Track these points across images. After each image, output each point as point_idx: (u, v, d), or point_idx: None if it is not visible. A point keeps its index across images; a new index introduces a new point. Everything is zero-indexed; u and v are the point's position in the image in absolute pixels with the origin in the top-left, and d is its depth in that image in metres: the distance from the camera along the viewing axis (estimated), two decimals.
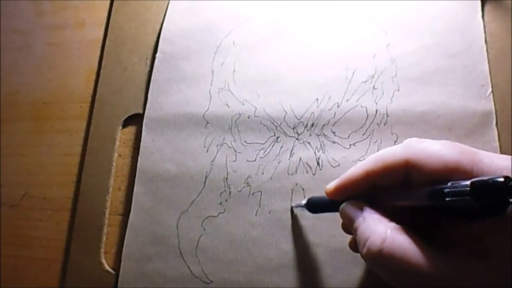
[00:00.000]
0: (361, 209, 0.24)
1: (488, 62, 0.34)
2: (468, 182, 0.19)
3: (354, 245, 0.28)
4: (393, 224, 0.22)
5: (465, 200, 0.19)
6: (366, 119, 0.34)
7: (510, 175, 0.18)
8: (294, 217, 0.33)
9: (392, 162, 0.23)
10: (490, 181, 0.18)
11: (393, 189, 0.24)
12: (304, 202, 0.30)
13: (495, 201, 0.18)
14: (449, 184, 0.20)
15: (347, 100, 0.35)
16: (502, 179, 0.18)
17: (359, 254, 0.30)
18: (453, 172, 0.21)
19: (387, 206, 0.24)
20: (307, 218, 0.32)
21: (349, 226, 0.25)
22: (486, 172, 0.20)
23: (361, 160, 0.32)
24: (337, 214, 0.31)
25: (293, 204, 0.33)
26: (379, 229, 0.22)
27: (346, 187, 0.25)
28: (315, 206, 0.30)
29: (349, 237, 0.32)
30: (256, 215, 0.33)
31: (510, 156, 0.21)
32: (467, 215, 0.21)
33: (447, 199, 0.19)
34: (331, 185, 0.26)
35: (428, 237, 0.22)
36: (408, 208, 0.25)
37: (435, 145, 0.22)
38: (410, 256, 0.20)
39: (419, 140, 0.24)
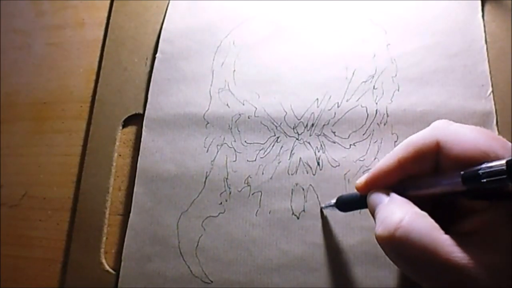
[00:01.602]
0: (388, 194, 0.23)
1: (488, 62, 0.34)
2: (503, 161, 0.18)
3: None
4: (416, 209, 0.21)
5: (501, 180, 0.18)
6: (366, 119, 0.34)
7: None
8: (324, 219, 0.32)
9: (423, 145, 0.22)
10: None
11: (423, 177, 0.23)
12: (333, 201, 0.30)
13: None
14: (483, 165, 0.19)
15: (347, 100, 0.35)
16: None
17: (359, 254, 0.31)
18: (486, 156, 0.20)
19: (415, 196, 0.23)
20: (307, 219, 0.32)
21: (373, 216, 0.23)
22: None
23: (361, 160, 0.33)
24: (337, 214, 0.31)
25: (322, 205, 0.32)
26: (399, 211, 0.21)
27: (378, 179, 0.24)
28: (346, 203, 0.29)
29: (349, 237, 0.32)
30: (256, 215, 0.33)
31: None
32: (502, 197, 0.20)
33: (482, 180, 0.19)
34: (362, 179, 0.25)
35: (442, 224, 0.20)
36: (430, 203, 0.24)
37: (466, 129, 0.22)
38: (428, 241, 0.19)
39: (448, 122, 0.23)
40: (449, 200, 0.24)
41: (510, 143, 0.21)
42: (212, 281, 0.32)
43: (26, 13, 0.46)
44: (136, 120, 0.39)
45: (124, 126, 0.39)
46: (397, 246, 0.20)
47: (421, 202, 0.22)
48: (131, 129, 0.39)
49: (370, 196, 0.24)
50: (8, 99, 0.43)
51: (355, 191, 0.26)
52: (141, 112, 0.38)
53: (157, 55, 0.39)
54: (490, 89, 0.33)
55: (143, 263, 0.33)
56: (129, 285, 0.33)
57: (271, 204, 0.33)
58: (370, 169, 0.31)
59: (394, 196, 0.23)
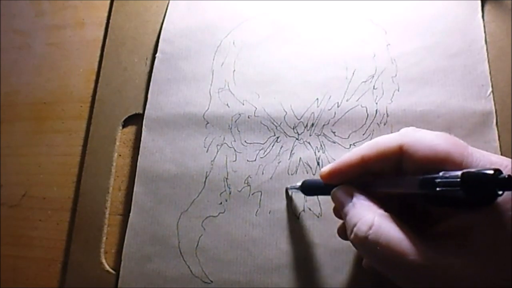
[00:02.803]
0: (352, 195, 0.24)
1: (488, 62, 0.34)
2: (459, 173, 0.19)
3: (343, 232, 0.28)
4: (381, 211, 0.23)
5: (455, 190, 0.19)
6: (366, 119, 0.34)
7: (500, 169, 0.18)
8: (288, 198, 0.33)
9: (387, 148, 0.24)
10: (480, 173, 0.19)
11: (385, 176, 0.24)
12: (299, 184, 0.31)
13: (484, 192, 0.19)
14: (440, 174, 0.20)
15: (347, 100, 0.35)
16: (491, 172, 0.18)
17: (359, 255, 0.31)
18: (443, 162, 0.21)
19: (379, 193, 0.24)
20: (307, 219, 0.32)
21: (339, 211, 0.25)
22: (475, 166, 0.21)
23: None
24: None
25: (288, 186, 0.33)
26: (367, 216, 0.22)
27: (340, 171, 0.26)
28: (310, 188, 0.30)
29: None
30: (256, 215, 0.33)
31: (499, 156, 0.22)
32: (456, 205, 0.21)
33: (437, 188, 0.20)
34: (326, 168, 0.26)
35: (417, 227, 0.22)
36: (399, 197, 0.25)
37: (429, 135, 0.23)
38: (395, 244, 0.21)
39: (416, 129, 0.24)
40: (417, 203, 0.25)
41: (470, 149, 0.22)
42: (212, 281, 0.32)
43: (26, 13, 0.46)
44: (136, 120, 0.39)
45: (124, 126, 0.39)
46: (368, 248, 0.22)
47: (390, 198, 0.25)
48: (131, 129, 0.39)
49: (336, 191, 0.26)
50: (8, 99, 0.43)
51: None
52: (141, 112, 0.38)
53: (157, 55, 0.39)
54: (490, 89, 0.33)
55: (143, 263, 0.33)
56: (129, 285, 0.33)
57: (271, 204, 0.33)
58: None
59: (359, 196, 0.24)
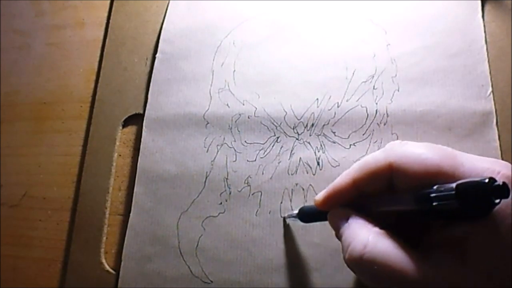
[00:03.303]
0: (347, 216, 0.24)
1: (488, 62, 0.34)
2: (454, 185, 0.19)
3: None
4: (376, 229, 0.22)
5: (451, 203, 0.19)
6: (366, 119, 0.34)
7: (493, 177, 0.18)
8: (286, 227, 0.33)
9: (375, 168, 0.23)
10: (475, 183, 0.18)
11: (379, 195, 0.24)
12: (295, 212, 0.30)
13: (480, 203, 0.18)
14: (434, 188, 0.20)
15: (347, 100, 0.35)
16: (486, 181, 0.18)
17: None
18: (435, 176, 0.21)
19: (375, 212, 0.24)
20: None
21: (336, 234, 0.25)
22: (468, 175, 0.20)
23: None
24: None
25: (285, 215, 0.33)
26: (361, 235, 0.22)
27: (334, 196, 0.25)
28: (306, 216, 0.29)
29: None
30: (256, 215, 0.33)
31: (490, 158, 0.21)
32: (453, 217, 0.21)
33: (433, 203, 0.19)
34: (320, 196, 0.26)
35: (414, 241, 0.22)
36: (394, 213, 0.25)
37: (417, 149, 0.22)
38: (393, 261, 0.20)
39: (402, 143, 0.24)
40: (411, 217, 0.25)
41: (460, 158, 0.21)
42: (212, 281, 0.32)
43: (26, 13, 0.46)
44: (136, 120, 0.39)
45: (124, 126, 0.39)
46: (366, 270, 0.21)
47: (386, 215, 0.24)
48: (131, 129, 0.39)
49: (330, 215, 0.26)
50: (8, 99, 0.43)
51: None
52: (141, 112, 0.38)
53: (157, 55, 0.39)
54: (490, 89, 0.33)
55: (143, 263, 0.33)
56: (129, 285, 0.33)
57: (271, 204, 0.33)
58: None
59: (353, 218, 0.24)
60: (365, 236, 0.22)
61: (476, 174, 0.20)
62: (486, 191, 0.18)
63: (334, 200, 0.25)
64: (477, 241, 0.19)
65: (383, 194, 0.24)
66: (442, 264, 0.20)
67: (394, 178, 0.23)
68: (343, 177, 0.25)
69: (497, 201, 0.18)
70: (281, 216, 0.33)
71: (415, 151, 0.22)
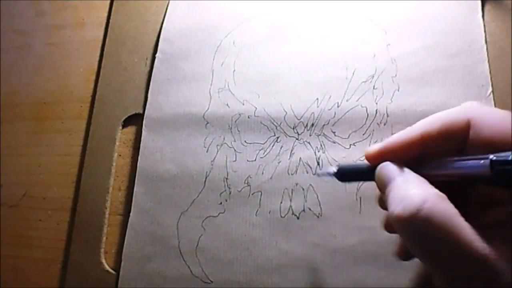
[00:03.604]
0: (401, 170, 0.21)
1: (488, 62, 0.34)
2: None
3: (389, 224, 0.25)
4: (436, 191, 0.19)
5: None
6: (366, 119, 0.34)
7: None
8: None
9: (453, 122, 0.20)
10: None
11: (445, 156, 0.21)
12: (333, 169, 0.25)
13: None
14: None
15: (347, 100, 0.35)
16: None
17: (359, 254, 0.30)
18: None
19: (432, 178, 0.21)
20: (307, 219, 0.32)
21: (383, 190, 0.21)
22: None
23: (362, 160, 0.33)
24: (337, 215, 0.31)
25: (319, 172, 0.31)
26: (420, 191, 0.19)
27: (393, 150, 0.22)
28: (348, 173, 0.26)
29: (349, 237, 0.31)
30: (256, 215, 0.33)
31: None
32: None
33: None
34: (375, 147, 0.22)
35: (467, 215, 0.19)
36: (447, 189, 0.22)
37: (499, 112, 0.20)
38: (452, 226, 0.18)
39: (480, 104, 0.21)
40: (466, 190, 0.22)
41: None
42: (212, 281, 0.32)
43: (26, 13, 0.46)
44: (136, 120, 0.39)
45: (124, 126, 0.39)
46: (417, 228, 0.18)
47: (437, 186, 0.20)
48: (131, 129, 0.39)
49: (381, 168, 0.22)
50: (8, 99, 0.43)
51: (364, 161, 0.24)
52: (141, 112, 0.38)
53: (157, 55, 0.39)
54: (490, 89, 0.33)
55: (143, 263, 0.33)
56: (129, 285, 0.33)
57: (271, 204, 0.33)
58: None
59: (410, 173, 0.21)
60: (424, 192, 0.19)
61: None
62: None
63: (392, 155, 0.22)
64: None
65: (451, 155, 0.21)
66: (499, 240, 0.18)
67: (468, 138, 0.20)
68: (409, 130, 0.21)
69: None
70: (314, 174, 0.31)
71: (498, 113, 0.20)
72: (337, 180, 0.26)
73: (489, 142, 0.19)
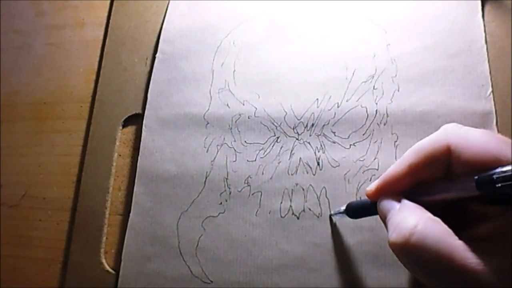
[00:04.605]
0: (398, 201, 0.23)
1: (488, 62, 0.34)
2: None
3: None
4: (429, 214, 0.21)
5: None
6: (366, 119, 0.34)
7: None
8: (333, 226, 0.32)
9: (434, 150, 0.22)
10: None
11: (434, 183, 0.23)
12: (343, 208, 0.29)
13: None
14: (497, 170, 0.19)
15: (347, 100, 0.35)
16: None
17: (359, 255, 0.30)
18: (497, 160, 0.19)
19: (427, 202, 0.22)
20: (307, 219, 0.32)
21: (384, 222, 0.23)
22: None
23: (361, 161, 0.33)
24: (338, 220, 0.31)
25: (332, 212, 0.32)
26: (412, 217, 0.21)
27: (388, 185, 0.24)
28: (356, 210, 0.28)
29: (349, 237, 0.31)
30: (256, 215, 0.33)
31: None
32: (508, 202, 0.20)
33: (497, 185, 0.18)
34: (372, 186, 0.25)
35: (458, 230, 0.20)
36: (440, 208, 0.23)
37: (476, 132, 0.21)
38: (443, 247, 0.19)
39: (458, 126, 0.23)
40: (461, 206, 0.24)
41: None
42: (212, 281, 0.32)
43: (26, 13, 0.46)
44: (136, 120, 0.39)
45: (124, 126, 0.39)
46: (411, 252, 0.20)
47: (432, 208, 0.22)
48: (131, 129, 0.39)
49: (381, 202, 0.24)
50: (8, 99, 0.43)
51: (365, 197, 0.26)
52: (141, 112, 0.38)
53: (157, 55, 0.39)
54: (490, 89, 0.33)
55: (143, 263, 0.33)
56: (129, 285, 0.33)
57: (271, 204, 0.33)
58: (370, 169, 0.32)
59: (405, 202, 0.22)
60: (416, 218, 0.20)
61: None
62: None
63: (388, 190, 0.24)
64: None
65: (440, 181, 0.22)
66: (498, 251, 0.19)
67: (451, 162, 0.21)
68: (397, 165, 0.23)
69: None
70: (330, 214, 0.32)
71: (475, 134, 0.21)
72: (348, 218, 0.29)
73: (471, 163, 0.20)
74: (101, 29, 0.43)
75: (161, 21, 0.41)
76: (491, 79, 0.33)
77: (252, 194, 0.34)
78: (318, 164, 0.34)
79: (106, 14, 0.44)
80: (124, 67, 0.40)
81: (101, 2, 0.44)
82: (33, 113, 0.42)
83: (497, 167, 0.19)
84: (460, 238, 0.20)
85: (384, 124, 0.34)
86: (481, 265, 0.18)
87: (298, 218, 0.33)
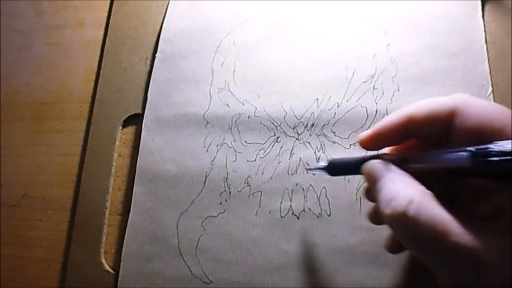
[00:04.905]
0: (388, 169, 0.22)
1: (488, 62, 0.34)
2: None
3: (374, 214, 0.26)
4: (422, 188, 0.20)
5: (510, 160, 0.17)
6: (366, 119, 0.34)
7: None
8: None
9: (439, 108, 0.21)
10: None
11: (428, 151, 0.22)
12: (323, 164, 0.27)
13: None
14: (495, 143, 0.18)
15: (347, 100, 0.35)
16: None
17: (359, 255, 0.30)
18: (498, 134, 0.19)
19: (418, 171, 0.22)
20: (307, 219, 0.32)
21: (372, 187, 0.22)
22: None
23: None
24: (337, 214, 0.31)
25: (308, 167, 0.31)
26: (406, 190, 0.20)
27: (383, 134, 0.23)
28: (339, 167, 0.27)
29: (349, 237, 0.31)
30: (256, 215, 0.33)
31: None
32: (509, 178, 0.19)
33: (492, 158, 0.18)
34: (367, 132, 0.24)
35: (455, 209, 0.20)
36: (434, 180, 0.23)
37: (486, 103, 0.21)
38: (437, 222, 0.19)
39: (470, 96, 0.22)
40: (456, 183, 0.23)
41: None
42: (212, 281, 0.32)
43: (26, 13, 0.46)
44: (136, 120, 0.39)
45: (124, 126, 0.39)
46: (407, 226, 0.20)
47: (426, 180, 0.21)
48: (131, 129, 0.39)
49: (369, 164, 0.23)
50: (8, 99, 0.43)
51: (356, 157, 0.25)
52: (141, 112, 0.38)
53: (157, 55, 0.39)
54: (490, 89, 0.33)
55: (142, 263, 0.33)
56: (129, 285, 0.33)
57: (271, 204, 0.33)
58: None
59: (397, 171, 0.22)
60: (410, 192, 0.20)
61: None
62: None
63: (382, 140, 0.23)
64: None
65: (434, 150, 0.22)
66: (491, 232, 0.18)
67: (453, 127, 0.21)
68: (397, 113, 0.23)
69: None
70: (306, 168, 0.32)
71: (484, 104, 0.21)
72: (327, 174, 0.27)
73: (474, 131, 0.20)
74: (101, 29, 0.43)
75: (161, 21, 0.41)
76: (491, 79, 0.33)
77: (252, 194, 0.34)
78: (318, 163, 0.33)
79: (106, 14, 0.44)
80: (124, 67, 0.40)
81: (101, 2, 0.44)
82: (33, 113, 0.42)
83: (496, 140, 0.18)
84: (459, 215, 0.19)
85: None
86: (475, 242, 0.18)
87: (298, 218, 0.33)
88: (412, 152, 0.23)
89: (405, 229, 0.20)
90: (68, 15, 0.45)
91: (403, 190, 0.20)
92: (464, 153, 0.19)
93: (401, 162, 0.22)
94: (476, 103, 0.21)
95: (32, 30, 0.46)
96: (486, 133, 0.19)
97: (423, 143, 0.23)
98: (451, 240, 0.18)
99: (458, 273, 0.19)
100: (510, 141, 0.18)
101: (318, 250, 0.31)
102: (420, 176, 0.22)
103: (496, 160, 0.18)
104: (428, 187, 0.21)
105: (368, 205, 0.28)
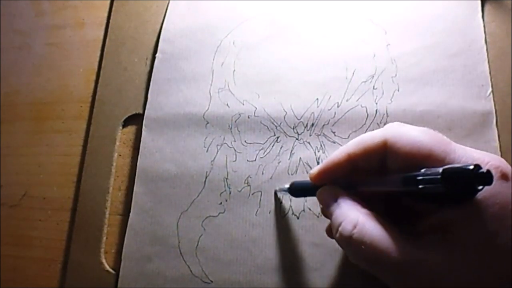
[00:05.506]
0: (337, 195, 0.25)
1: (488, 62, 0.34)
2: (440, 170, 0.19)
3: (330, 231, 0.29)
4: (365, 211, 0.23)
5: (437, 187, 0.19)
6: (366, 119, 0.34)
7: (480, 165, 0.19)
8: (277, 201, 0.33)
9: (371, 144, 0.24)
10: (460, 169, 0.19)
11: (369, 175, 0.25)
12: (287, 186, 0.31)
13: (463, 188, 0.19)
14: (422, 171, 0.20)
15: (347, 100, 0.35)
16: (471, 167, 0.18)
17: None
18: (426, 159, 0.21)
19: (365, 193, 0.25)
20: (307, 219, 0.32)
21: (325, 209, 0.26)
22: (457, 162, 0.21)
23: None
24: None
25: (277, 188, 0.33)
26: (351, 215, 0.23)
27: (329, 171, 0.26)
28: (298, 190, 0.30)
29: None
30: (256, 215, 0.33)
31: (484, 152, 0.22)
32: (439, 201, 0.21)
33: (419, 186, 0.20)
34: (315, 169, 0.27)
35: (402, 225, 0.22)
36: (385, 196, 0.26)
37: (413, 131, 0.23)
38: (378, 242, 0.21)
39: (400, 124, 0.24)
40: (404, 202, 0.25)
41: (453, 146, 0.22)
42: (212, 281, 0.32)
43: (26, 13, 0.46)
44: (136, 120, 0.39)
45: (124, 126, 0.39)
46: (354, 248, 0.22)
47: (374, 200, 0.25)
48: (131, 129, 0.39)
49: (321, 192, 0.26)
50: (8, 99, 0.43)
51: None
52: (141, 112, 0.38)
53: (157, 55, 0.39)
54: (490, 89, 0.33)
55: (143, 263, 0.33)
56: (129, 285, 0.33)
57: (271, 204, 0.33)
58: None
59: (344, 198, 0.24)
60: (355, 216, 0.23)
61: (466, 162, 0.21)
62: (470, 177, 0.19)
63: (328, 175, 0.26)
64: (462, 225, 0.20)
65: (373, 175, 0.24)
66: (426, 247, 0.21)
67: (387, 157, 0.23)
68: (339, 152, 0.26)
69: (480, 187, 0.19)
70: (275, 190, 0.33)
71: (411, 133, 0.23)
72: (291, 196, 0.31)
73: (405, 158, 0.22)
74: (101, 29, 0.43)
75: (161, 21, 0.41)
76: (491, 79, 0.33)
77: (252, 194, 0.34)
78: (318, 164, 0.33)
79: (106, 14, 0.44)
80: (124, 67, 0.40)
81: (101, 2, 0.44)
82: (33, 113, 0.42)
83: (422, 168, 0.20)
84: (402, 233, 0.22)
85: (384, 124, 0.33)
86: (414, 259, 0.20)
87: (298, 218, 0.33)
88: (359, 176, 0.25)
89: (353, 250, 0.23)
90: (68, 15, 0.45)
91: (350, 215, 0.23)
92: (398, 180, 0.22)
93: (350, 186, 0.25)
94: (404, 132, 0.23)
95: (32, 30, 0.46)
96: (416, 158, 0.22)
97: (367, 173, 0.25)
98: (390, 256, 0.21)
99: (400, 284, 0.21)
100: (434, 169, 0.20)
101: (318, 250, 0.31)
102: (369, 196, 0.25)
103: (421, 187, 0.20)
104: (376, 206, 0.24)
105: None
